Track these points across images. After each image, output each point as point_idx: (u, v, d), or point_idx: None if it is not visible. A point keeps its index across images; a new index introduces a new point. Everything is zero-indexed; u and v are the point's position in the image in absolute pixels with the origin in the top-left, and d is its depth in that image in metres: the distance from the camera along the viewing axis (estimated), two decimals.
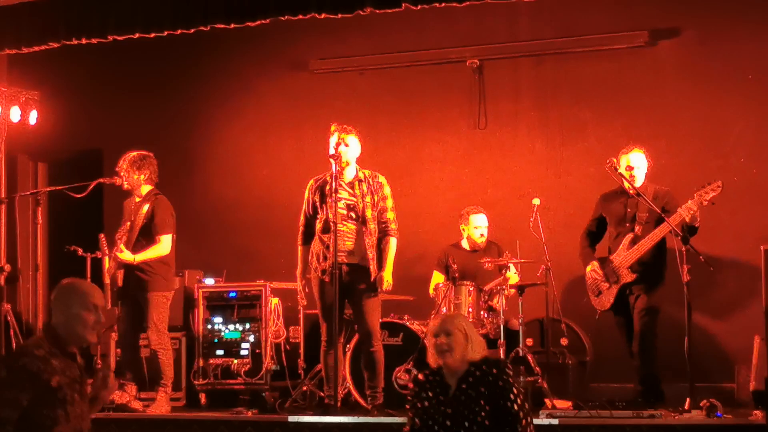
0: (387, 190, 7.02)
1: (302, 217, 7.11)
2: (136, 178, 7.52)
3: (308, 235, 7.06)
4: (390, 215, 7.00)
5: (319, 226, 6.96)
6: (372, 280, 6.86)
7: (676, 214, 6.76)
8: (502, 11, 8.50)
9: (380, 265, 6.93)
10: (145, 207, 7.44)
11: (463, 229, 7.99)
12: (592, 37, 8.54)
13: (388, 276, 6.89)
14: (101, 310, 4.45)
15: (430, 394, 4.71)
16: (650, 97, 8.42)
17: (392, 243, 6.97)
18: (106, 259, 7.48)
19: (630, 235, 7.01)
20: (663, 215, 6.78)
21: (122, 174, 7.50)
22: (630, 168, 7.07)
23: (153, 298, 7.38)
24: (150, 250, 7.37)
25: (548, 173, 8.67)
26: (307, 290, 7.09)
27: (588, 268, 7.20)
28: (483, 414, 4.50)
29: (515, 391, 4.54)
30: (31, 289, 9.35)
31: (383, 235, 6.97)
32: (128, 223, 7.49)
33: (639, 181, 7.09)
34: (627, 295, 7.05)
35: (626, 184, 7.00)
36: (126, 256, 7.29)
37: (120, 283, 7.36)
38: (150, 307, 7.37)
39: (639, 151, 7.14)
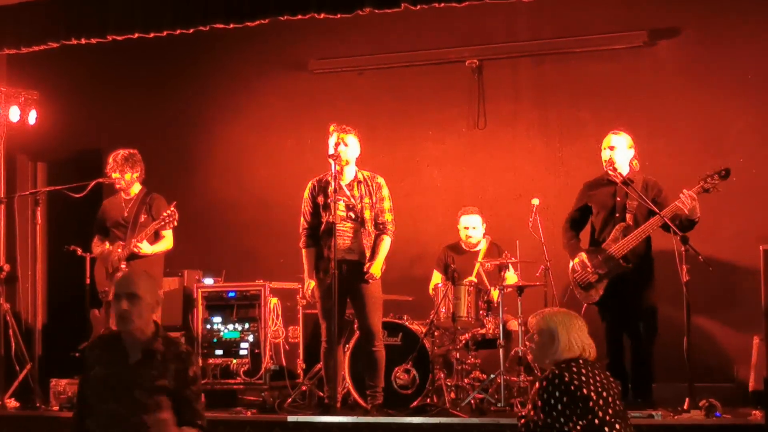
0: (385, 192, 7.01)
1: (303, 220, 7.10)
2: (129, 177, 7.55)
3: (311, 238, 7.06)
4: (387, 217, 7.00)
5: (321, 227, 6.96)
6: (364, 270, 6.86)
7: (673, 205, 6.64)
8: (502, 11, 8.50)
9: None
10: (143, 205, 7.49)
11: (458, 229, 8.00)
12: (592, 37, 8.54)
13: (376, 269, 6.89)
14: None
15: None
16: (649, 97, 8.42)
17: (386, 241, 6.98)
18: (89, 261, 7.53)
19: (622, 225, 6.87)
20: (656, 209, 6.66)
21: (117, 173, 7.52)
22: (611, 148, 6.96)
23: None
24: (158, 244, 7.46)
25: (548, 173, 8.67)
26: (311, 294, 7.07)
27: (576, 260, 6.99)
28: (540, 420, 4.38)
29: (541, 401, 4.35)
30: (31, 288, 9.33)
31: (379, 233, 6.98)
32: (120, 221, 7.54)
33: (620, 164, 6.93)
34: (618, 289, 6.86)
35: (620, 178, 6.90)
36: (145, 248, 7.35)
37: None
38: None
39: (620, 134, 7.02)
